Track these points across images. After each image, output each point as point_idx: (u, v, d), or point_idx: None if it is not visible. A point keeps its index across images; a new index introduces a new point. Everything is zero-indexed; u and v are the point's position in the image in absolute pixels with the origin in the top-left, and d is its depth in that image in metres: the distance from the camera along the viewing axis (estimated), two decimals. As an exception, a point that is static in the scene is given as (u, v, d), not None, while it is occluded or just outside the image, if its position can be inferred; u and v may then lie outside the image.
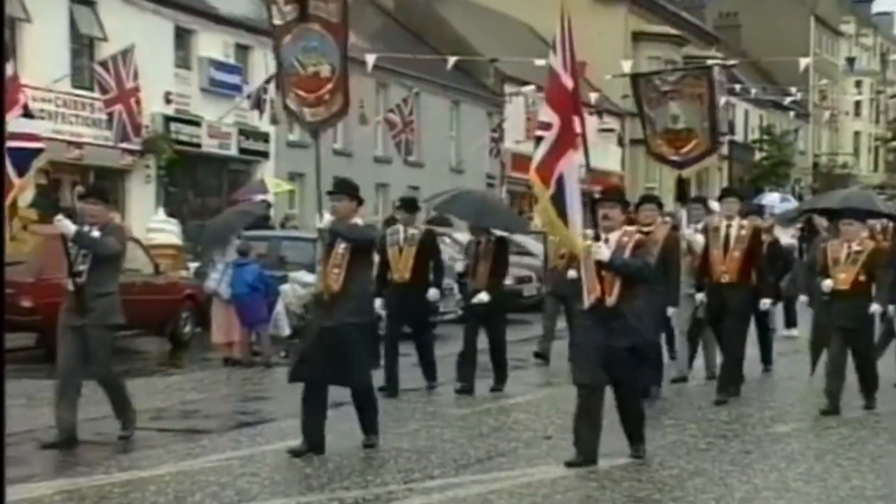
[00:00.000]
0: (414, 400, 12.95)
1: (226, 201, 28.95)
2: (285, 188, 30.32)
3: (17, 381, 13.49)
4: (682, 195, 15.70)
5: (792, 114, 70.95)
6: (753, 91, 57.54)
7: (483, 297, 13.72)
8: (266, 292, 16.88)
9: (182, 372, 13.74)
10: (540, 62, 39.08)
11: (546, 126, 9.97)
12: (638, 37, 55.27)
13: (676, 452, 10.25)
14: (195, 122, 30.34)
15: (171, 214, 25.76)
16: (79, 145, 26.77)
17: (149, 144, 28.18)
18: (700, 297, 13.48)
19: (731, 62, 50.48)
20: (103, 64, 25.18)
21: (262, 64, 32.24)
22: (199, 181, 31.88)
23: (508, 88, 44.84)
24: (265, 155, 33.13)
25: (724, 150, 62.52)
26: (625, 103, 53.38)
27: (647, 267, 9.96)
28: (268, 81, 31.05)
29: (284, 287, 17.80)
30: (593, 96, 46.99)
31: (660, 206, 13.96)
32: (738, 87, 57.38)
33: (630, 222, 11.17)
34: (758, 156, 66.55)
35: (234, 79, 31.76)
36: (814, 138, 79.51)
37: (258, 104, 30.91)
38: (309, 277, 19.33)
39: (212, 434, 11.36)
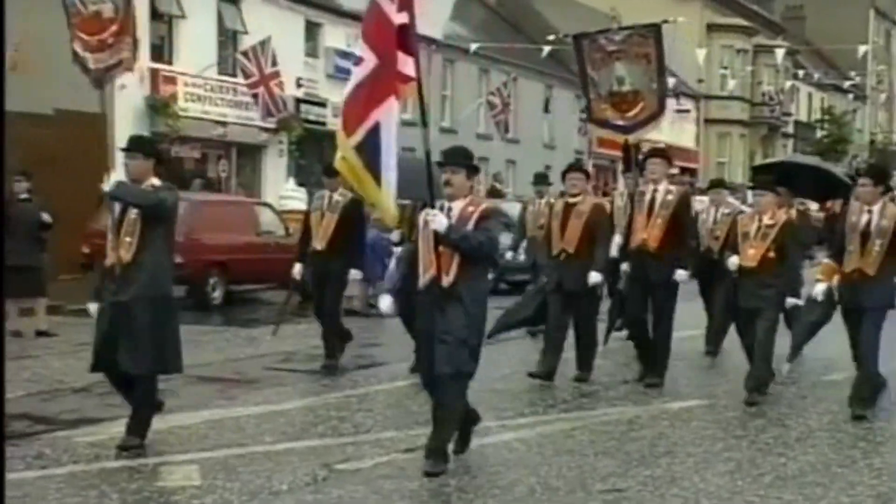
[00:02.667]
0: (508, 349, 12.92)
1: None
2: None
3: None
4: (628, 163, 13.14)
5: (851, 96, 69.25)
6: (816, 76, 56.40)
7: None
8: (381, 252, 16.98)
9: (308, 321, 13.83)
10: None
11: (356, 61, 7.59)
12: (712, 28, 54.35)
13: (739, 396, 10.14)
14: (321, 104, 30.50)
15: (300, 184, 26.15)
16: (223, 124, 27.13)
17: (282, 123, 28.43)
18: (624, 267, 11.11)
19: (796, 49, 49.49)
20: (245, 53, 25.50)
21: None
22: (325, 155, 32.00)
23: (595, 74, 44.57)
24: (381, 132, 33.21)
25: (789, 128, 61.84)
26: (699, 87, 52.84)
27: (490, 242, 7.36)
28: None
29: (397, 248, 17.88)
30: (671, 81, 46.56)
31: (585, 173, 11.38)
32: (801, 72, 56.49)
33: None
34: (819, 134, 65.24)
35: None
36: (870, 118, 77.68)
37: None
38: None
39: (332, 375, 11.48)
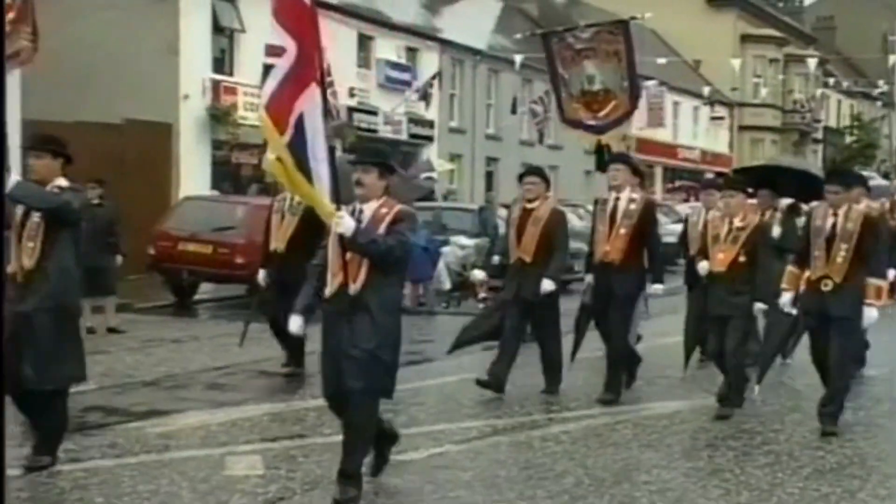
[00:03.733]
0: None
1: (398, 178, 29.16)
2: (447, 167, 30.45)
3: (232, 322, 13.86)
4: (601, 164, 11.81)
5: (879, 103, 68.46)
6: (845, 84, 55.79)
7: None
8: (431, 253, 17.00)
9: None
10: (661, 60, 38.82)
11: (278, 51, 6.53)
12: (745, 38, 53.94)
13: (777, 392, 10.05)
14: (373, 112, 30.56)
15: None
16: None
17: (336, 130, 28.51)
18: (588, 279, 10.04)
19: (827, 58, 48.98)
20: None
21: (428, 63, 32.48)
22: (376, 161, 32.11)
23: (634, 83, 44.36)
24: (430, 139, 33.26)
25: (819, 134, 61.25)
26: (733, 95, 52.46)
27: (402, 247, 6.42)
28: (433, 78, 31.38)
29: (446, 249, 17.93)
30: (706, 89, 46.25)
31: (543, 177, 10.02)
32: (831, 80, 55.92)
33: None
34: (848, 140, 64.54)
35: (404, 76, 31.90)
36: (898, 124, 76.83)
37: (424, 97, 31.30)
38: (466, 241, 19.48)
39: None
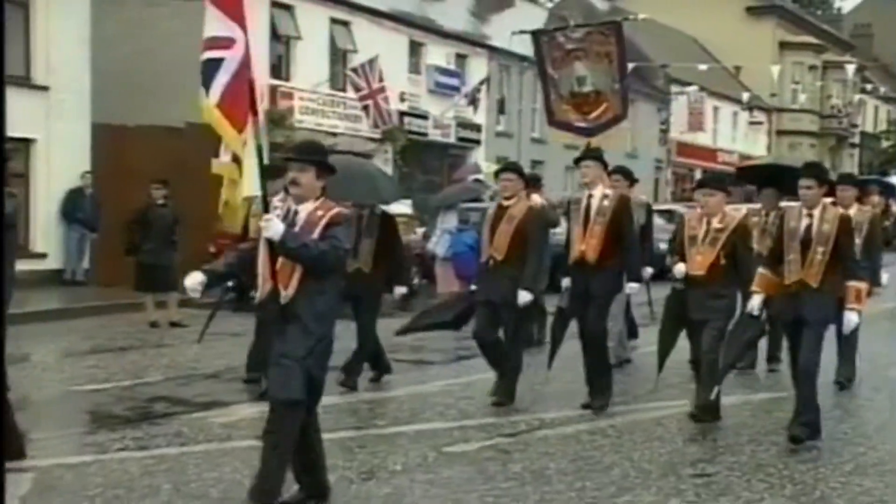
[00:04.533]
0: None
1: (447, 180, 29.17)
2: (494, 169, 30.42)
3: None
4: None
5: (915, 109, 67.71)
6: (882, 90, 55.08)
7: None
8: (477, 251, 16.99)
9: (401, 314, 13.84)
10: (702, 67, 38.62)
11: (225, 43, 5.73)
12: (784, 45, 53.43)
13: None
14: (423, 117, 30.59)
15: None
16: (334, 135, 27.34)
17: (388, 133, 28.62)
18: (565, 282, 9.16)
19: (865, 65, 48.39)
20: (354, 70, 25.78)
21: (476, 69, 32.47)
22: (426, 163, 32.10)
23: (674, 88, 44.22)
24: (477, 142, 33.21)
25: (856, 139, 60.52)
26: (772, 101, 51.97)
27: (335, 252, 5.70)
28: (481, 83, 31.41)
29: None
30: (745, 95, 45.91)
31: (519, 174, 9.28)
32: (869, 86, 55.26)
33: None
34: (884, 144, 63.74)
35: (454, 82, 31.89)
36: (934, 129, 75.73)
37: (473, 101, 31.34)
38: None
39: (437, 365, 11.49)
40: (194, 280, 5.94)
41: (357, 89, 25.51)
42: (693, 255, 8.37)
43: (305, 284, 5.69)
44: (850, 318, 7.70)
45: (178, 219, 14.41)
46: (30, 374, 10.40)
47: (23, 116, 18.69)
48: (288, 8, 25.91)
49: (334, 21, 27.55)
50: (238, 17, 5.66)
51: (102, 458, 7.21)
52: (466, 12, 35.09)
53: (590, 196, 8.87)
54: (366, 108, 25.61)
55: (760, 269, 7.96)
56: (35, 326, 13.15)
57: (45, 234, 18.98)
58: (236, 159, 5.98)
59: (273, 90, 25.28)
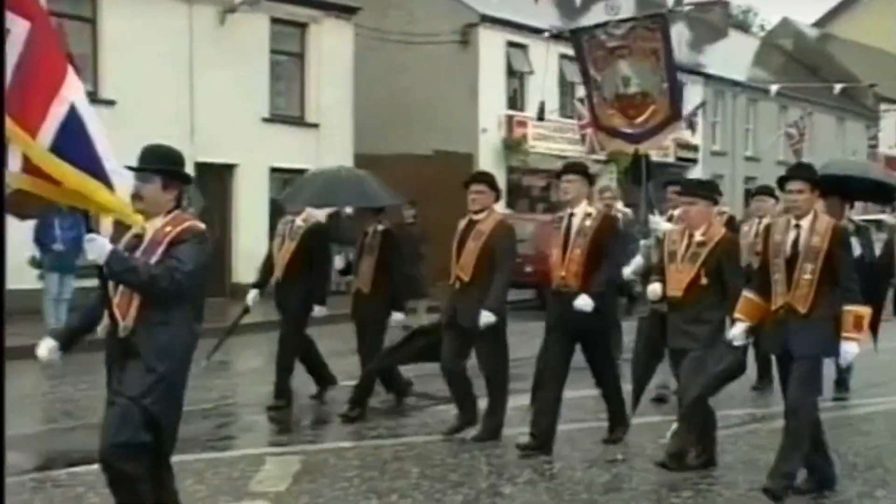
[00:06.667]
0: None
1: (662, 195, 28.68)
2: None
3: (518, 322, 13.85)
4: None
5: None
6: None
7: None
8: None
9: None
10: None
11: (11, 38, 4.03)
12: None
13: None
14: (644, 140, 30.22)
15: (627, 205, 25.94)
16: (563, 158, 27.36)
17: (613, 155, 28.39)
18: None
19: None
20: (580, 100, 25.70)
21: (694, 95, 31.76)
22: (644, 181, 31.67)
23: (883, 106, 42.04)
24: (694, 161, 32.55)
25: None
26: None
27: (171, 275, 4.43)
28: (699, 107, 30.72)
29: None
30: None
31: (490, 185, 7.63)
32: None
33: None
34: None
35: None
36: None
37: (691, 125, 30.63)
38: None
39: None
40: (45, 348, 4.74)
41: (579, 118, 25.50)
42: (672, 273, 6.53)
43: (145, 314, 4.48)
44: (847, 350, 5.67)
45: (425, 236, 14.76)
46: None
47: (298, 150, 19.72)
48: (522, 47, 26.16)
49: (563, 56, 27.60)
50: (15, 4, 4.03)
51: (360, 445, 7.46)
52: (685, 45, 34.54)
53: (571, 214, 7.09)
54: (583, 136, 25.54)
55: (745, 293, 6.01)
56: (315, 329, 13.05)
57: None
58: (34, 169, 4.22)
59: (509, 120, 25.67)
